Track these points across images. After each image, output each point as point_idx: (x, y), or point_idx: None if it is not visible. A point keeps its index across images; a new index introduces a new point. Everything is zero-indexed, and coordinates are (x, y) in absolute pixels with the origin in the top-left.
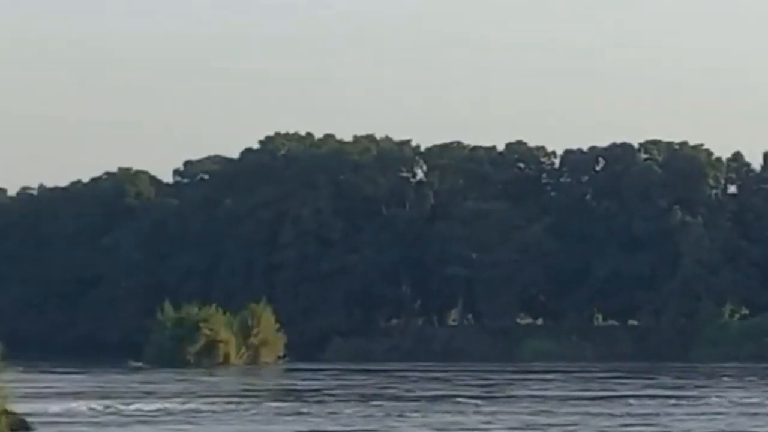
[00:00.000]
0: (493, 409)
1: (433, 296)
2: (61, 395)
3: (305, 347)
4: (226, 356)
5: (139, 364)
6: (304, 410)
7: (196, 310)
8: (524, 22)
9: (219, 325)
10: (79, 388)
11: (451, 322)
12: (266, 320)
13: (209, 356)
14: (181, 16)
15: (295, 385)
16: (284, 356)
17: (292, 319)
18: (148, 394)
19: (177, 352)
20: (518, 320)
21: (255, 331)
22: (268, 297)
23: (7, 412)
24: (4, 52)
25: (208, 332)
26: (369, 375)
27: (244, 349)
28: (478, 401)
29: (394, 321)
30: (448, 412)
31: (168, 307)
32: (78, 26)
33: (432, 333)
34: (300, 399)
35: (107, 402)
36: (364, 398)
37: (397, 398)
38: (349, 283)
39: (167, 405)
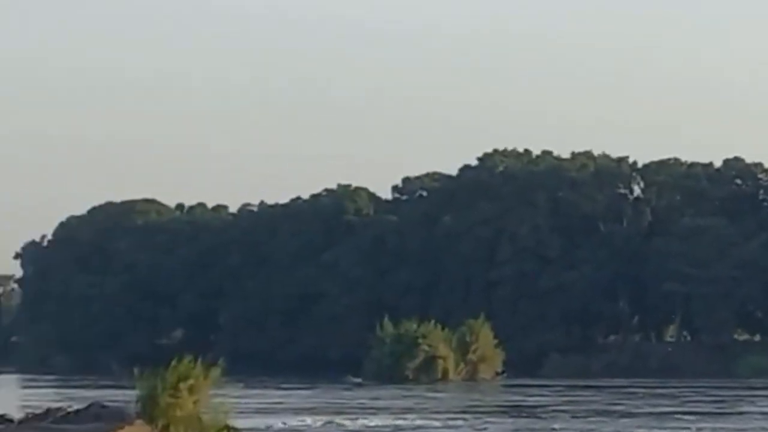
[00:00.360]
0: (720, 425)
1: (650, 312)
2: (284, 411)
3: (523, 363)
4: (445, 372)
5: (359, 380)
6: (531, 426)
7: (415, 326)
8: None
9: (438, 341)
10: (301, 404)
11: (668, 339)
12: (484, 336)
13: (428, 372)
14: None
15: (522, 401)
16: (502, 372)
17: (510, 336)
18: (373, 410)
19: (396, 367)
20: (735, 336)
21: (473, 347)
22: (486, 313)
23: (228, 428)
24: (242, 86)
25: (427, 348)
26: (592, 391)
27: (462, 365)
28: (706, 417)
29: (612, 337)
30: (677, 428)
31: (387, 323)
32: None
33: (649, 349)
34: (528, 415)
35: (329, 417)
36: (592, 414)
37: (626, 415)
38: (566, 300)
39: (394, 421)
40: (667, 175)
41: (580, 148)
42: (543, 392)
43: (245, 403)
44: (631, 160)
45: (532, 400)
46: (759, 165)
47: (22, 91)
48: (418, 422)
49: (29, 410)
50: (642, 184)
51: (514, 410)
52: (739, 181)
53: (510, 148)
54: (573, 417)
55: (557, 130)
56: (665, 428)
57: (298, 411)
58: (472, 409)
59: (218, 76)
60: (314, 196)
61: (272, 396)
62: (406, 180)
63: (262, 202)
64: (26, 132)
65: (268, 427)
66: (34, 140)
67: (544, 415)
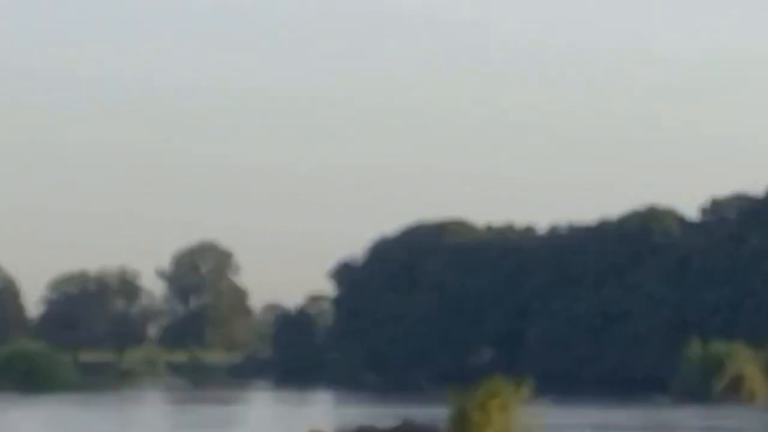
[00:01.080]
0: None
1: None
2: (615, 430)
3: None
4: (752, 393)
5: (665, 399)
6: None
7: (722, 346)
8: None
9: (745, 361)
10: (626, 423)
11: None
12: None
13: (735, 392)
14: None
15: None
16: None
17: None
18: (706, 431)
19: (703, 387)
20: None
21: None
22: None
23: None
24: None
25: (734, 369)
26: None
27: None
28: None
29: None
30: None
31: (695, 343)
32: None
33: None
34: None
35: None
36: None
37: None
38: None
39: None
40: None
41: None
42: None
43: (554, 421)
44: None
45: None
46: None
47: (336, 122)
48: None
49: (340, 428)
50: None
51: None
52: None
53: None
54: None
55: None
56: None
57: (629, 430)
58: None
59: (551, 104)
60: (621, 217)
61: (591, 416)
62: (713, 201)
63: (570, 223)
64: (337, 159)
65: None
66: (346, 167)
67: None
